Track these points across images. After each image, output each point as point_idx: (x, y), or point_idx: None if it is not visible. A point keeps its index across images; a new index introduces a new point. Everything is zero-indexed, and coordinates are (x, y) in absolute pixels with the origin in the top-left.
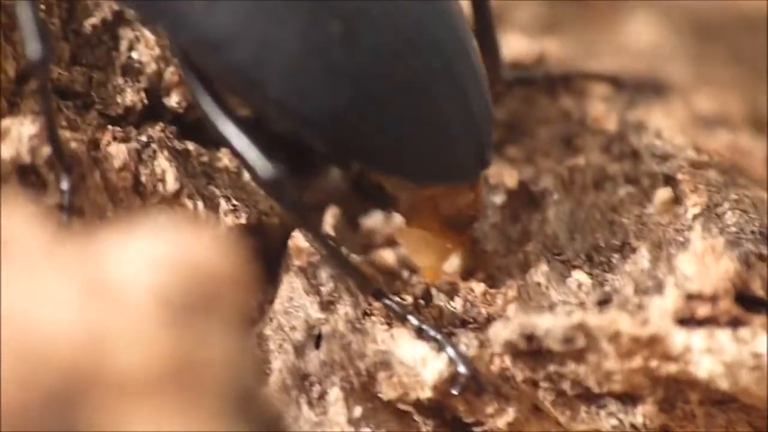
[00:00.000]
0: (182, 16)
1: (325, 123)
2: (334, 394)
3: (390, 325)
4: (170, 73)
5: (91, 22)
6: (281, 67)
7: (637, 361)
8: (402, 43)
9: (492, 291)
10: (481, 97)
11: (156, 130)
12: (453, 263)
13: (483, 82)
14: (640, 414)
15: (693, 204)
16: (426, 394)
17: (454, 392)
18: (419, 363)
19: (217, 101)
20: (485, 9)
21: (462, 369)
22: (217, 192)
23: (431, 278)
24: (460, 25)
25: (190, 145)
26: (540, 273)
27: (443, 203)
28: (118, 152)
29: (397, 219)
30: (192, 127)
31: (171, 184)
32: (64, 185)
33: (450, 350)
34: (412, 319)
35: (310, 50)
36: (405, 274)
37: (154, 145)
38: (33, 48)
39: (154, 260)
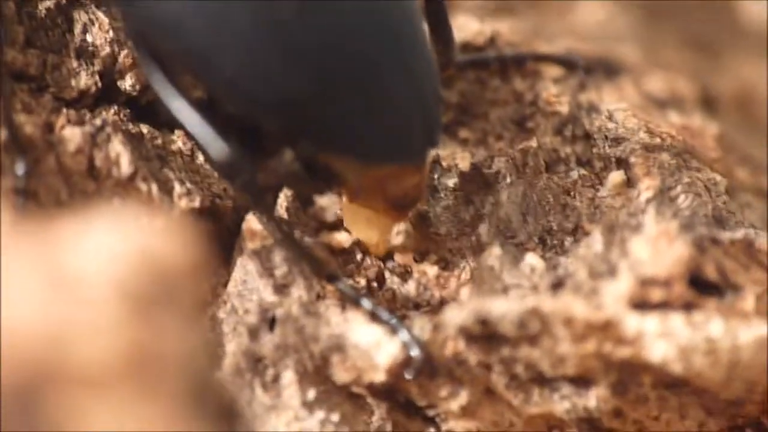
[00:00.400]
0: None
1: (276, 103)
2: (288, 377)
3: (344, 308)
4: (124, 56)
5: (45, 5)
6: (234, 46)
7: (590, 345)
8: (353, 23)
9: (445, 274)
10: (430, 78)
11: (110, 114)
12: (398, 238)
13: (432, 64)
14: (593, 397)
15: (646, 187)
16: (379, 377)
17: (408, 376)
18: (373, 346)
19: (171, 82)
20: None
21: (415, 352)
22: (171, 175)
23: (376, 252)
24: (410, 7)
25: (144, 128)
26: (493, 256)
27: (390, 184)
28: (72, 136)
29: (344, 198)
30: (146, 109)
31: (125, 167)
32: (20, 169)
33: (403, 333)
34: (365, 303)
35: (262, 30)
36: (358, 256)
37: (108, 129)
38: None
39: (111, 251)
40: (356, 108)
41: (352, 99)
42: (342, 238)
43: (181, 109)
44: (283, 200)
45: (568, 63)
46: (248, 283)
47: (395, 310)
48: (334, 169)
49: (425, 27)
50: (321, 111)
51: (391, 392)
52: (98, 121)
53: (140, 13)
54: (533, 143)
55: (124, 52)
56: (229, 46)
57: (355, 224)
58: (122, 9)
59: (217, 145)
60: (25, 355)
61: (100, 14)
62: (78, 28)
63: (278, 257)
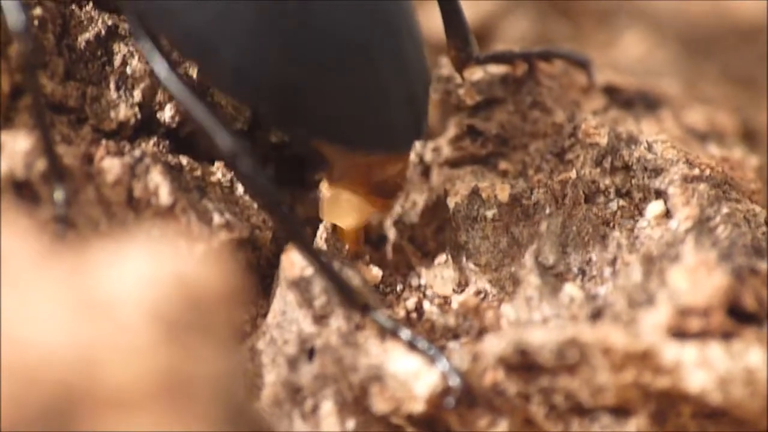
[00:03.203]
0: None
1: (274, 88)
2: (327, 407)
3: (383, 338)
4: (163, 88)
5: (85, 37)
6: (236, 32)
7: (629, 375)
8: (350, 13)
9: (484, 304)
10: (421, 72)
11: (149, 145)
12: (376, 216)
13: (424, 59)
14: (632, 427)
15: (685, 218)
16: (418, 407)
17: (447, 406)
18: (412, 376)
19: (174, 70)
20: None
21: (454, 382)
22: (210, 206)
23: (351, 243)
24: (404, 3)
25: (184, 160)
26: (532, 287)
27: (375, 171)
28: (111, 167)
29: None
30: (185, 141)
31: (164, 198)
32: (59, 196)
33: (442, 363)
34: (403, 333)
35: (264, 19)
36: (398, 287)
37: (147, 160)
38: (15, 18)
39: (146, 276)
40: (347, 97)
41: (344, 88)
42: (376, 273)
43: (190, 99)
44: (322, 232)
45: (580, 62)
46: (287, 314)
47: (434, 341)
48: (323, 154)
49: (418, 19)
50: (314, 99)
51: (430, 422)
52: (137, 153)
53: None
54: (572, 174)
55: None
56: (232, 30)
57: (334, 209)
58: None
59: (223, 134)
60: (58, 376)
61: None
62: (117, 60)
63: (317, 288)
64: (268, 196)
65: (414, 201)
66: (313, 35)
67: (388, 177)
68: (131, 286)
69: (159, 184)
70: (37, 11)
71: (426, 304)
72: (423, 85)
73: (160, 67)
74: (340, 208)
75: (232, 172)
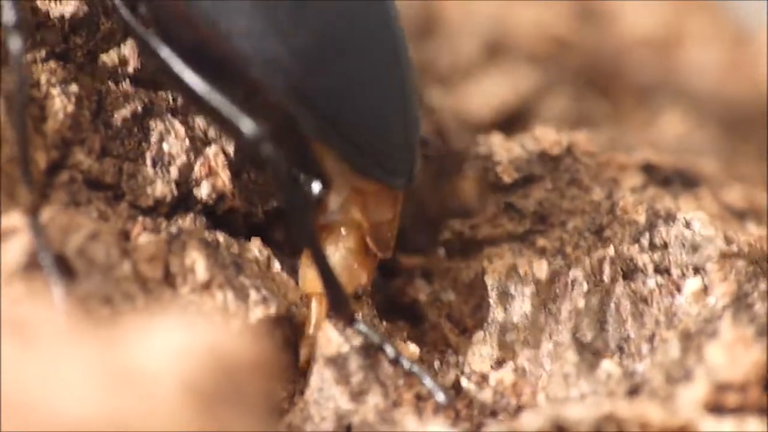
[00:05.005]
0: None
1: (287, 64)
2: None
3: (420, 415)
4: (200, 165)
5: (121, 113)
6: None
7: None
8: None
9: (521, 381)
10: (418, 121)
11: (186, 221)
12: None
13: (419, 111)
14: None
15: (722, 294)
16: None
17: None
18: None
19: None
20: None
21: (440, 398)
22: (247, 282)
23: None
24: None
25: (220, 236)
26: (570, 363)
27: (370, 203)
28: (148, 243)
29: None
30: (222, 218)
31: (201, 274)
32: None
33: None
34: (389, 349)
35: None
36: (436, 363)
37: (184, 236)
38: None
39: (180, 347)
40: (369, 123)
41: (368, 106)
42: (413, 349)
43: (208, 90)
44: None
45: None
46: (324, 391)
47: (472, 417)
48: (323, 167)
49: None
50: (339, 109)
51: None
52: (174, 229)
53: None
54: (610, 252)
55: (200, 161)
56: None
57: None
58: None
59: (245, 120)
60: None
61: (177, 123)
62: (154, 137)
63: (354, 364)
64: (288, 182)
65: (453, 278)
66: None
67: (382, 221)
68: (164, 358)
69: (195, 261)
70: (73, 87)
71: (464, 381)
72: (417, 136)
73: (174, 61)
74: (335, 267)
75: (255, 155)
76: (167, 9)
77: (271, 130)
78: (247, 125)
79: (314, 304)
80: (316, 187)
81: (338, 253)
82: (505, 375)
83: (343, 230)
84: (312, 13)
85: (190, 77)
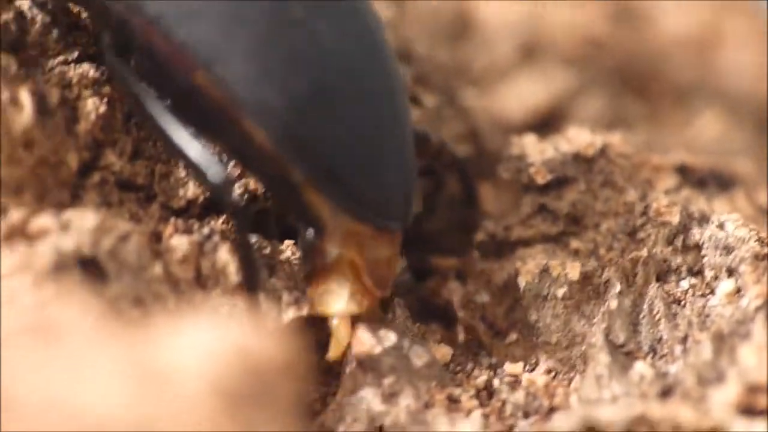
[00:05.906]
0: None
1: (281, 111)
2: None
3: (451, 416)
4: (232, 167)
5: None
6: (244, 45)
7: None
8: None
9: (554, 383)
10: (414, 163)
11: (218, 223)
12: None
13: (414, 153)
14: None
15: (756, 295)
16: None
17: None
18: None
19: (171, 114)
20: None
21: None
22: (279, 284)
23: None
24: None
25: (253, 238)
26: (602, 365)
27: (367, 244)
28: (180, 244)
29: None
30: (254, 219)
31: (233, 276)
32: None
33: None
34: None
35: (273, 36)
36: (468, 366)
37: (216, 238)
38: None
39: (208, 348)
40: (364, 171)
41: (357, 151)
42: (446, 351)
43: (181, 137)
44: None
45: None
46: (357, 392)
47: (504, 419)
48: (314, 211)
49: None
50: (324, 135)
51: None
52: (206, 230)
53: (147, 9)
54: (644, 253)
55: (231, 162)
56: (240, 43)
57: (333, 286)
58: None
59: (214, 168)
60: None
61: None
62: None
63: (386, 366)
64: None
65: (486, 280)
66: (324, 54)
67: (381, 258)
68: (194, 359)
69: (227, 262)
70: (106, 89)
71: (496, 383)
72: (415, 177)
73: (157, 111)
74: (337, 289)
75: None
76: (159, 56)
77: (263, 176)
78: (215, 172)
79: (339, 326)
80: (310, 233)
81: (340, 290)
82: (538, 376)
83: (341, 270)
84: (307, 60)
85: (167, 124)
